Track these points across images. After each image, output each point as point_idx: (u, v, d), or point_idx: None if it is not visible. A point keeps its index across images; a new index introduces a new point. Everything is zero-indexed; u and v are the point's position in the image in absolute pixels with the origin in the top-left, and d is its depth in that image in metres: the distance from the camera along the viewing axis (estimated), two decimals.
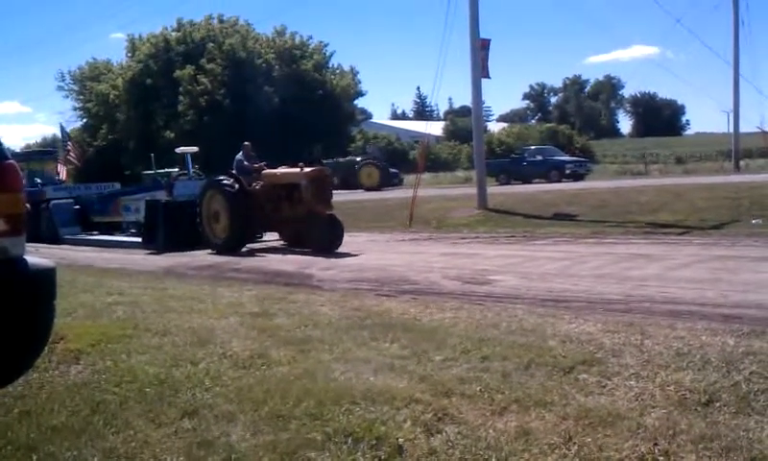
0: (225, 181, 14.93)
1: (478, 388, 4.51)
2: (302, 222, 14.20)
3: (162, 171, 26.29)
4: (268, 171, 15.37)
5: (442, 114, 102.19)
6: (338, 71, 50.73)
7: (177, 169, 26.88)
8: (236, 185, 14.76)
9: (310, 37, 51.40)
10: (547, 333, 5.83)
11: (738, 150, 36.68)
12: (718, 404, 4.08)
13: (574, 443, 3.68)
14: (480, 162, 21.05)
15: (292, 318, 6.95)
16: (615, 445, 3.63)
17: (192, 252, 14.60)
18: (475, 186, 21.07)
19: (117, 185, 23.36)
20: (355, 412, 4.19)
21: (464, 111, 75.70)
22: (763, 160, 36.22)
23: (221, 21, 50.98)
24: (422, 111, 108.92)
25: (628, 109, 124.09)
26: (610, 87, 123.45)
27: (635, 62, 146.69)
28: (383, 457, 3.61)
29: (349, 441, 3.79)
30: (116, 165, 46.87)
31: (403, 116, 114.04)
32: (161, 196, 17.06)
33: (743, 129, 37.67)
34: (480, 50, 20.07)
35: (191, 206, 15.71)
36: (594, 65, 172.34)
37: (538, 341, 5.57)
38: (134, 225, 18.92)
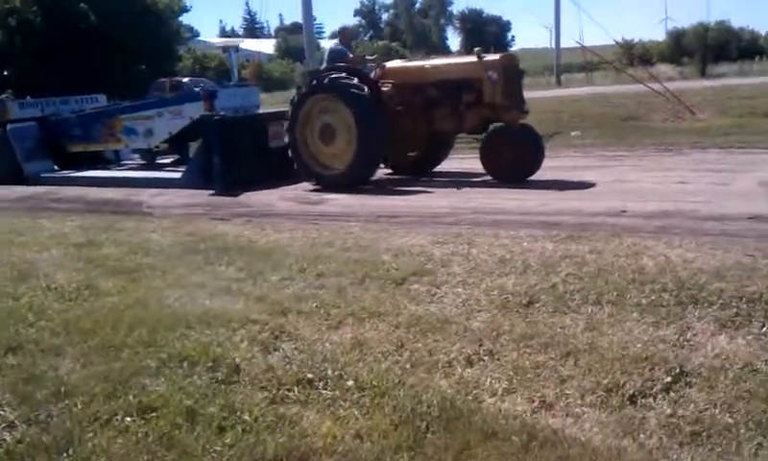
0: (346, 81, 9.99)
1: (314, 304, 4.60)
2: (445, 141, 11.05)
3: None
4: (403, 63, 11.18)
5: (273, 32, 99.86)
6: None
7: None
8: (366, 89, 9.95)
9: None
10: (381, 248, 6.00)
11: (560, 65, 38.48)
12: (538, 305, 4.39)
13: (406, 349, 3.86)
14: None
15: (121, 247, 6.73)
16: (444, 348, 3.83)
17: (270, 189, 10.23)
18: None
19: (102, 99, 16.02)
20: (191, 336, 4.16)
21: (295, 29, 74.32)
22: (582, 75, 38.03)
23: None
24: (252, 29, 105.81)
25: (457, 25, 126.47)
26: (439, 4, 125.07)
27: None
28: (220, 378, 3.62)
29: (185, 365, 3.78)
30: None
31: (233, 34, 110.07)
32: (194, 111, 12.05)
33: (564, 44, 39.43)
34: None
35: (260, 123, 11.33)
36: None
37: (371, 256, 5.73)
38: (146, 154, 14.14)
